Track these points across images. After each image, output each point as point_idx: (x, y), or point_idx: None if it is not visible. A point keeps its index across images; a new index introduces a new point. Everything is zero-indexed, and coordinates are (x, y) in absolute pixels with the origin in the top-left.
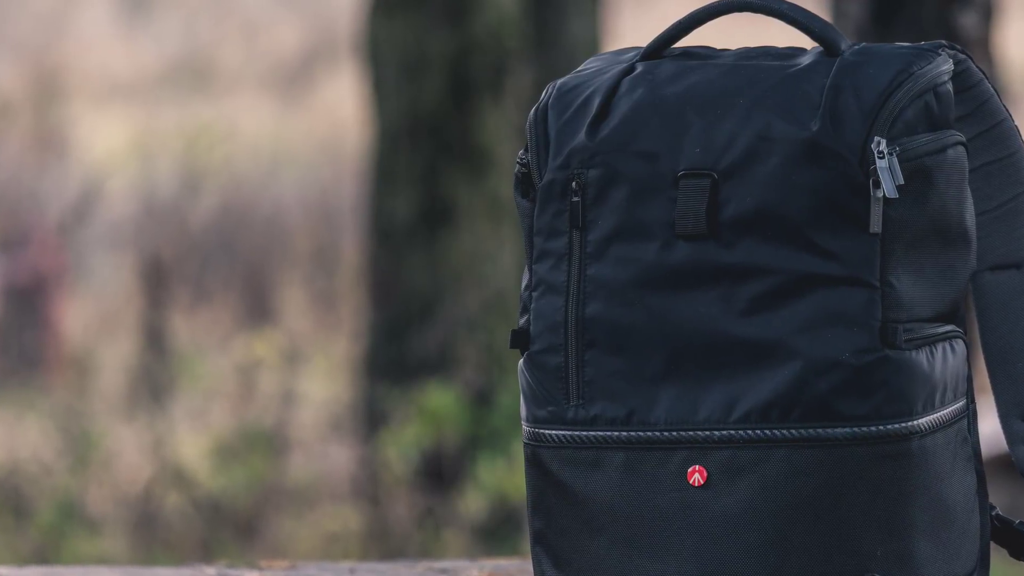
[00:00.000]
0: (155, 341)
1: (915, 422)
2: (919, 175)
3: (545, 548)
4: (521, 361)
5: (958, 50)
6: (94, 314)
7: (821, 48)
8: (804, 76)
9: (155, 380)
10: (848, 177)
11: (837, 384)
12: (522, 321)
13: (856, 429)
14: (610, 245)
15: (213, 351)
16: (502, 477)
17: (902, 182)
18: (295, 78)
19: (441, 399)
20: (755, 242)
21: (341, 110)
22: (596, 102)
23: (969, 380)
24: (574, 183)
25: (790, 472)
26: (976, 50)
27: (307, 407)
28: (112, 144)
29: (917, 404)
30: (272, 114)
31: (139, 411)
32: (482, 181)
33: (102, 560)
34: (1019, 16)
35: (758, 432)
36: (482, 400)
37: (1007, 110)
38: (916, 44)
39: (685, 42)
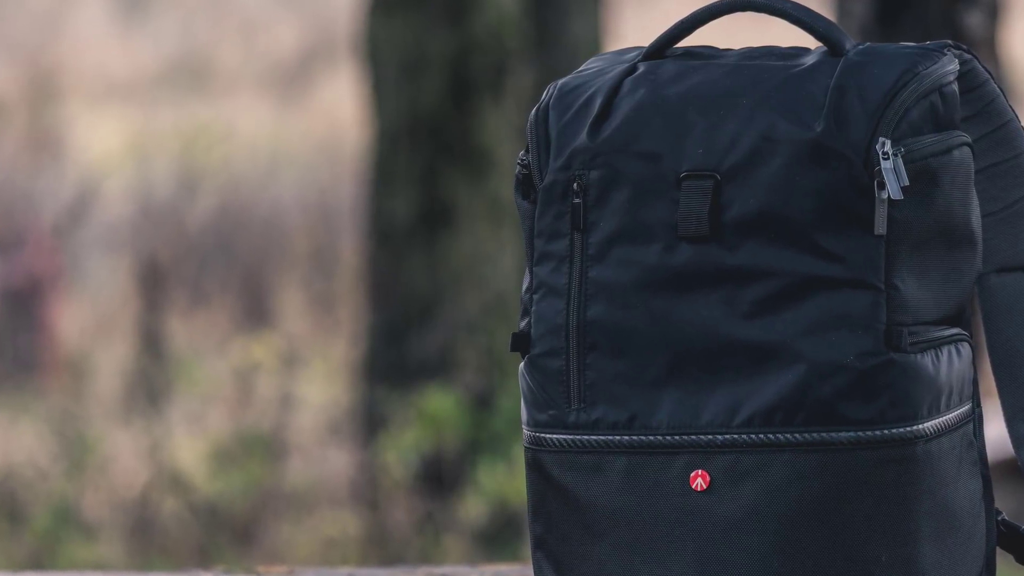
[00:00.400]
0: (152, 344)
1: (920, 426)
2: (924, 176)
3: (546, 554)
4: (522, 364)
5: (964, 50)
6: (90, 317)
7: (825, 48)
8: (808, 76)
9: (152, 384)
10: (852, 178)
11: (841, 388)
12: (523, 324)
13: (860, 433)
14: (612, 247)
15: (210, 354)
16: (503, 482)
17: (907, 183)
18: (293, 78)
19: (441, 403)
20: (758, 244)
21: (340, 110)
22: (598, 102)
23: (975, 384)
24: (575, 184)
25: (794, 477)
26: (982, 50)
27: (305, 411)
28: (108, 145)
29: (922, 408)
30: (270, 114)
31: (135, 415)
32: (482, 182)
33: (98, 566)
34: None
35: (761, 436)
36: (482, 404)
37: (1013, 110)
38: (921, 44)
39: (688, 42)
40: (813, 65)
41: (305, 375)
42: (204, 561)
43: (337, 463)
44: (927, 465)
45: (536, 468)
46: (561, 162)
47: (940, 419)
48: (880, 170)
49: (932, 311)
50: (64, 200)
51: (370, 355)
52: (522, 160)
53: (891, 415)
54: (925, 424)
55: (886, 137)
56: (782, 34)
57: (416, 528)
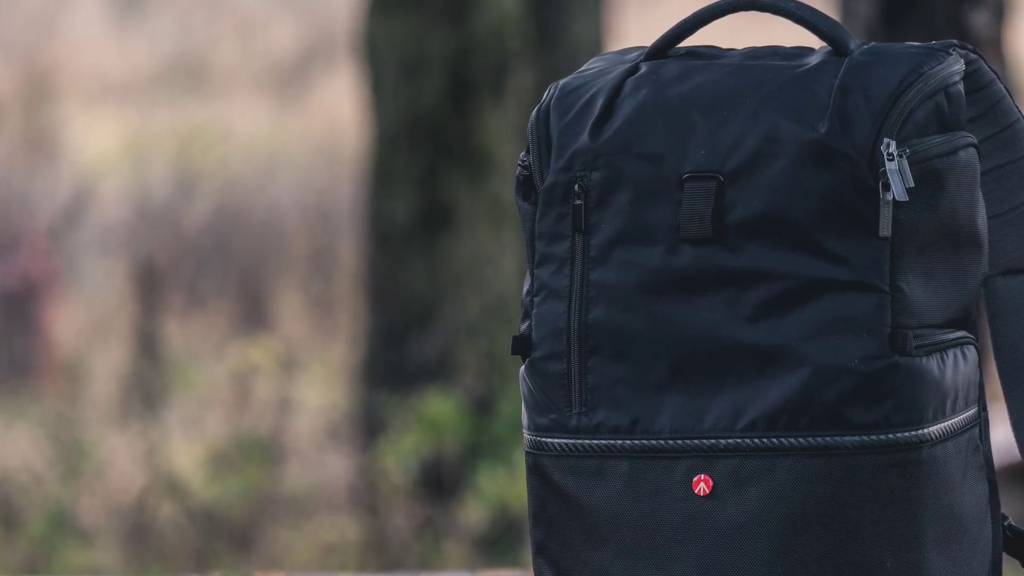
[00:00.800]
0: (148, 347)
1: (925, 430)
2: (929, 178)
3: (547, 559)
4: (522, 368)
5: (970, 50)
6: (86, 320)
7: (829, 48)
8: (812, 76)
9: (148, 387)
10: (857, 180)
11: (846, 391)
12: (523, 327)
13: (865, 437)
14: (613, 249)
15: (207, 357)
16: (503, 486)
17: (912, 185)
18: (292, 78)
19: (441, 407)
20: (762, 246)
21: (339, 111)
22: (599, 103)
23: (981, 387)
24: (577, 186)
25: (797, 481)
26: (988, 50)
27: (304, 415)
28: (104, 146)
29: (927, 412)
30: (268, 115)
31: (132, 419)
32: (483, 184)
33: (94, 571)
34: None
35: (765, 440)
36: (482, 408)
37: (1020, 111)
38: (927, 44)
39: (690, 41)
40: (817, 65)
41: (303, 379)
42: (201, 567)
43: (336, 468)
44: (932, 469)
45: (537, 473)
46: (562, 163)
47: (945, 423)
48: (885, 171)
49: (937, 314)
50: (60, 201)
51: (369, 358)
52: (523, 161)
53: (896, 419)
54: (930, 428)
55: (891, 138)
56: (786, 34)
57: (416, 533)
